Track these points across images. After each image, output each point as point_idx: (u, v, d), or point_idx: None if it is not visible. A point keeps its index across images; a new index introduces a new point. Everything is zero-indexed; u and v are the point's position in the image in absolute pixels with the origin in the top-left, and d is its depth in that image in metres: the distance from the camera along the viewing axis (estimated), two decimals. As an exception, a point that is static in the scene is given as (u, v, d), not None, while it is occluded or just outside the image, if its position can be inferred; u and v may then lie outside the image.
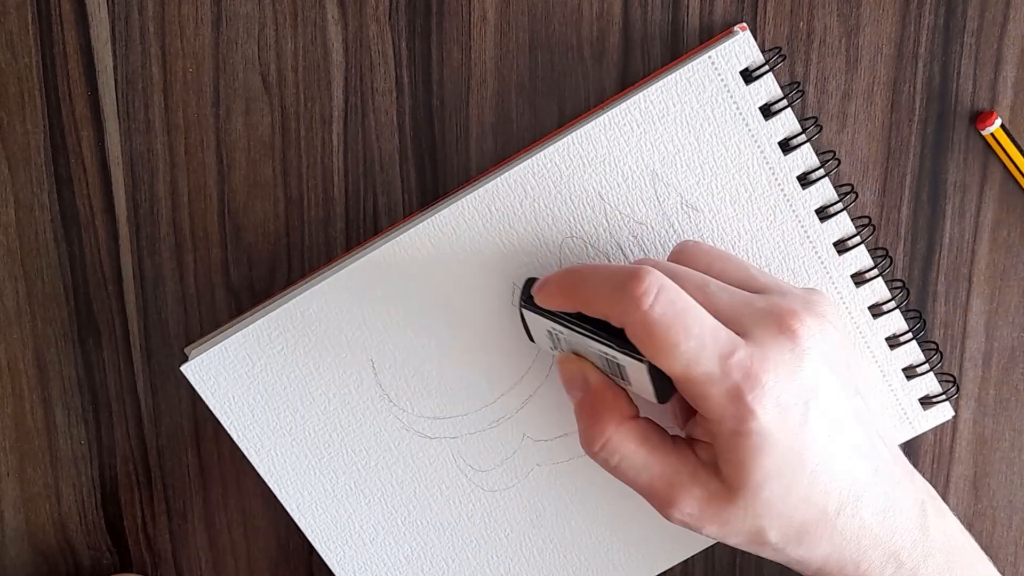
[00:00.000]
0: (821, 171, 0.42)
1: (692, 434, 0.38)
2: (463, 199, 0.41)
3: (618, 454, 0.37)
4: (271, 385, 0.42)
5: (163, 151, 0.43)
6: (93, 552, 0.47)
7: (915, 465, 0.45)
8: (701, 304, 0.35)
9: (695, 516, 0.36)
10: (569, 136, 0.41)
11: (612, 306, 0.35)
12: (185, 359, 0.43)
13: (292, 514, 0.44)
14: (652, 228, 0.42)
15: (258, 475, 0.44)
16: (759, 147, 0.41)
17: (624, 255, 0.42)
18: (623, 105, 0.41)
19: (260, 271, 0.44)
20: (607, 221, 0.42)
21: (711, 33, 0.42)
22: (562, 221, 0.41)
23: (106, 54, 0.43)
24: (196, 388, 0.42)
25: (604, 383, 0.38)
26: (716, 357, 0.34)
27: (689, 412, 0.39)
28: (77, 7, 0.42)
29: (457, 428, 0.44)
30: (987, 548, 0.45)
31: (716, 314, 0.35)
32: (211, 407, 0.42)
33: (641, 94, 0.40)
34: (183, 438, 0.46)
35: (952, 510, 0.45)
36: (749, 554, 0.46)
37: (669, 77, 0.40)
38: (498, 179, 0.41)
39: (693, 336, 0.34)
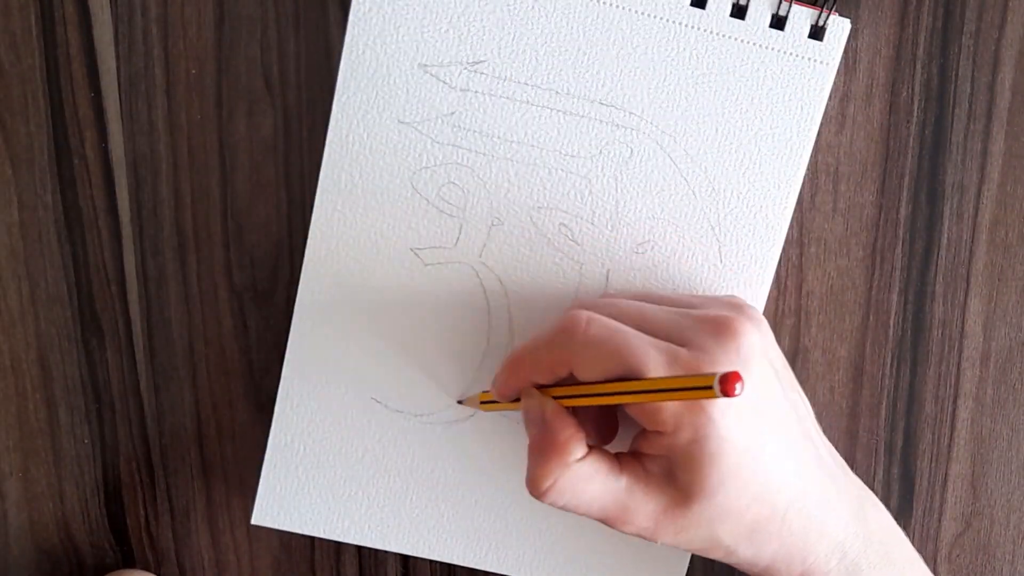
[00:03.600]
0: None
1: (640, 449, 0.37)
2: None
3: (565, 495, 0.36)
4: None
5: (166, 152, 0.43)
6: (96, 551, 0.47)
7: (913, 463, 0.46)
8: (640, 328, 0.36)
9: (650, 529, 0.36)
10: None
11: (554, 351, 0.36)
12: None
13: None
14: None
15: (260, 475, 0.44)
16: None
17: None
18: None
19: (263, 272, 0.44)
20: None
21: None
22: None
23: (109, 56, 0.43)
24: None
25: (558, 420, 0.36)
26: (662, 364, 0.34)
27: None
28: (80, 9, 0.42)
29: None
30: (985, 547, 0.46)
31: (655, 333, 0.36)
32: None
33: None
34: (186, 437, 0.46)
35: (950, 509, 0.45)
36: (748, 552, 0.46)
37: None
38: None
39: (635, 348, 0.34)
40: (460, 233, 0.42)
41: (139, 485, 0.47)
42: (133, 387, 0.45)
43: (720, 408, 0.34)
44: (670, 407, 0.34)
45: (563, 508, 0.37)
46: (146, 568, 0.48)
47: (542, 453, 0.36)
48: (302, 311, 0.43)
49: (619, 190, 0.42)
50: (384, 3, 0.40)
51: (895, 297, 0.44)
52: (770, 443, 0.36)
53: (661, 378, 0.34)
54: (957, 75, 0.43)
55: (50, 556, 0.47)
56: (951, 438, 0.45)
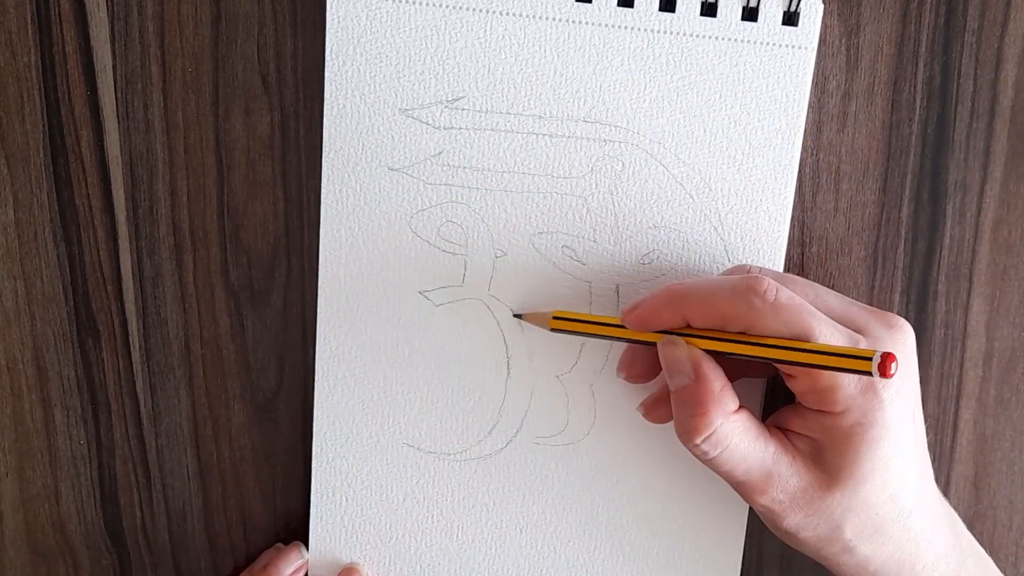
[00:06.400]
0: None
1: (787, 425, 0.38)
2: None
3: (721, 446, 0.36)
4: None
5: (162, 151, 0.43)
6: (92, 552, 0.47)
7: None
8: (816, 308, 0.36)
9: (784, 503, 0.37)
10: None
11: (736, 306, 0.36)
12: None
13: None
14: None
15: (256, 475, 0.44)
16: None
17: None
18: None
19: (259, 271, 0.44)
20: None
21: None
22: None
23: (105, 54, 0.42)
24: None
25: (715, 371, 0.36)
26: (847, 343, 0.35)
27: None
28: (76, 6, 0.42)
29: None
30: (987, 548, 0.45)
31: (830, 315, 0.37)
32: None
33: None
34: (182, 438, 0.46)
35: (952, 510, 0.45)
36: (751, 554, 0.46)
37: None
38: None
39: (820, 325, 0.35)
40: (466, 270, 0.42)
41: (135, 486, 0.46)
42: (129, 387, 0.45)
43: (890, 397, 0.35)
44: (845, 389, 0.35)
45: (711, 462, 0.37)
46: (142, 571, 0.47)
47: (698, 402, 0.36)
48: (323, 368, 0.43)
49: (616, 204, 0.41)
50: (357, 55, 0.41)
51: (897, 297, 0.44)
52: (917, 441, 0.37)
53: (824, 345, 0.34)
54: (959, 73, 0.42)
55: (45, 558, 0.47)
56: (953, 439, 0.45)
